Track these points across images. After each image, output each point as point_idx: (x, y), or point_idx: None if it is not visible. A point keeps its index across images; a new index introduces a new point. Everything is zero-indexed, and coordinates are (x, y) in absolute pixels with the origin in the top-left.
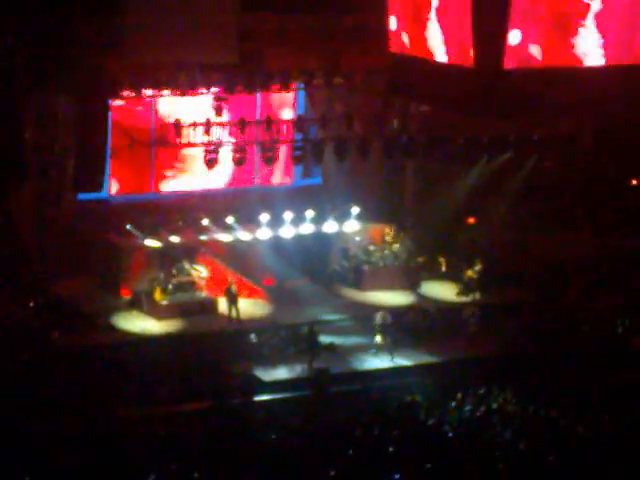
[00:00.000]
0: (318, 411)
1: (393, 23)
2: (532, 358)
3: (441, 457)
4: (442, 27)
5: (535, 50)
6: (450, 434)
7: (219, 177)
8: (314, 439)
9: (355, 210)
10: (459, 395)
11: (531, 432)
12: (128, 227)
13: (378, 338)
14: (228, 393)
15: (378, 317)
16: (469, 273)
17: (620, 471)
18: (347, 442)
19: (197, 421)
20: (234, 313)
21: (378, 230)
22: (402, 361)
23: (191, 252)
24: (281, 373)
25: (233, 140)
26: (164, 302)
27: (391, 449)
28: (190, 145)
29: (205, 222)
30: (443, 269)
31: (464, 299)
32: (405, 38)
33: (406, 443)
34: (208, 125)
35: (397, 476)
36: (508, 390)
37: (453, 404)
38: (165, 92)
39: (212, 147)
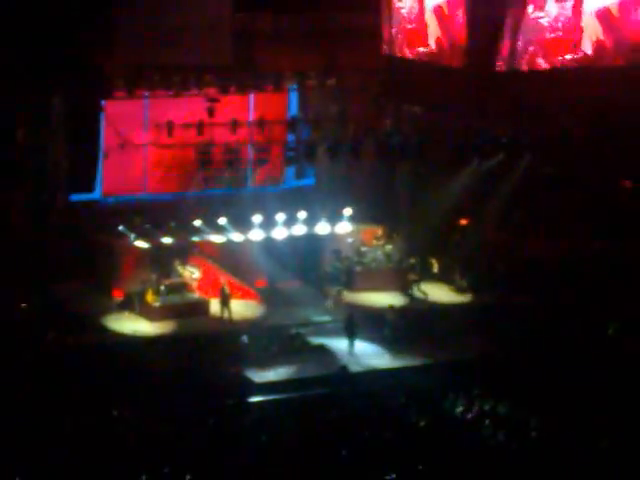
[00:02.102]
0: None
1: (387, 24)
2: (522, 360)
3: (433, 458)
4: (436, 30)
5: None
6: (441, 435)
7: None
8: (305, 440)
9: (347, 211)
10: (451, 396)
11: (521, 434)
12: (120, 228)
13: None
14: (220, 394)
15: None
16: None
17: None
18: (339, 443)
19: (189, 422)
20: (226, 314)
21: (370, 231)
22: (393, 362)
23: (183, 253)
24: (272, 374)
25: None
26: (156, 303)
27: (383, 450)
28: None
29: (197, 223)
30: (435, 270)
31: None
32: (398, 40)
33: (398, 444)
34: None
35: (389, 477)
36: (499, 392)
37: (445, 406)
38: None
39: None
